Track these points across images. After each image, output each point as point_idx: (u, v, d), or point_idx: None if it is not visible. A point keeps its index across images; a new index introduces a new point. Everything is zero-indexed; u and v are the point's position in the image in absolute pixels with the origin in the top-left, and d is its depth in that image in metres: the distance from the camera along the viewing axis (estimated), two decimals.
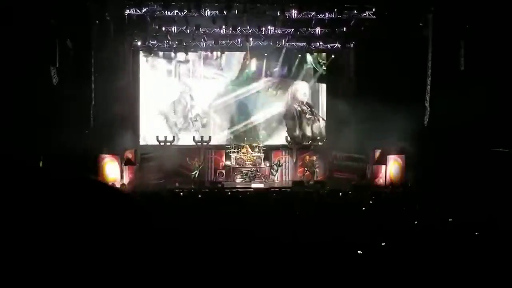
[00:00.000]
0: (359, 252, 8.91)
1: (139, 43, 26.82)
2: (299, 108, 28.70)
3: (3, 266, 1.25)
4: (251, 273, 7.71)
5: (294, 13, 24.52)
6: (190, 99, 28.26)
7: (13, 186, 1.44)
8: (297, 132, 28.05)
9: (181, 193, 20.08)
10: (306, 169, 26.02)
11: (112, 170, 23.50)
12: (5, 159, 1.59)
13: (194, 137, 27.14)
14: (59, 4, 20.68)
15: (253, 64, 28.32)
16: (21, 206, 1.39)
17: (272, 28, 25.67)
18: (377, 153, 24.93)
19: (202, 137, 26.99)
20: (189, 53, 27.83)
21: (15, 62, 18.39)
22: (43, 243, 1.33)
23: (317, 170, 26.25)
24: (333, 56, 28.63)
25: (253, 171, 25.86)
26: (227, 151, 26.96)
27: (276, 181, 26.07)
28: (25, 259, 1.27)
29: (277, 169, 26.39)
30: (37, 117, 19.38)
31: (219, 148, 27.28)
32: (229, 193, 19.81)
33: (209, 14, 24.27)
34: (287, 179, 26.50)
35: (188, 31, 25.67)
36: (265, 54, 28.04)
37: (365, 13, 24.62)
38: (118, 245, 1.41)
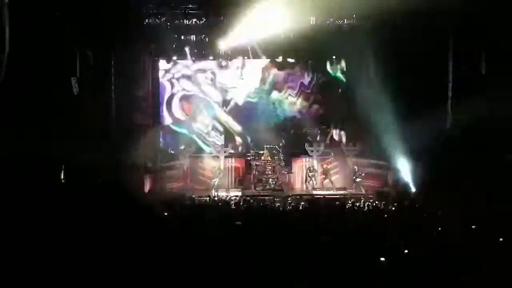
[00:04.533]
0: (382, 259, 8.81)
1: (158, 52, 26.88)
2: (317, 114, 28.56)
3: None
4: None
5: (312, 20, 24.48)
6: (210, 107, 28.25)
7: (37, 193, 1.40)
8: (317, 139, 27.86)
9: (203, 201, 20.15)
10: (324, 176, 25.89)
11: (132, 179, 23.54)
12: (27, 168, 1.56)
13: (214, 145, 27.15)
14: (78, 13, 20.82)
15: (273, 72, 28.26)
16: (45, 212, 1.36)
17: (291, 34, 25.64)
18: (398, 158, 24.72)
19: (222, 145, 26.97)
20: (209, 62, 27.84)
21: (36, 72, 18.50)
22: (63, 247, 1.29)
23: (334, 177, 26.05)
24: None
25: (274, 178, 25.71)
26: (247, 158, 26.85)
27: (303, 189, 25.95)
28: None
29: (312, 175, 26.11)
30: (57, 126, 19.49)
31: (239, 155, 27.21)
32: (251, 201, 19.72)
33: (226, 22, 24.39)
34: (307, 186, 26.30)
35: (207, 39, 25.74)
36: (286, 60, 27.93)
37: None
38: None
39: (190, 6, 24.28)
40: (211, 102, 28.23)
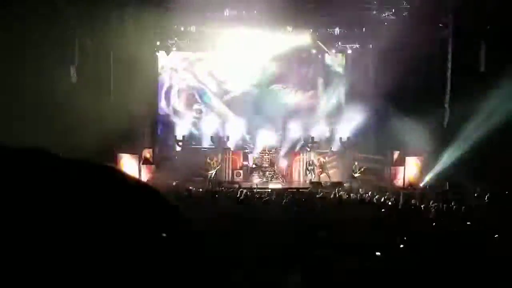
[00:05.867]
0: (377, 253, 8.84)
1: (158, 42, 26.86)
2: (315, 109, 28.57)
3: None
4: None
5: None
6: (209, 98, 28.25)
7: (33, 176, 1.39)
8: (315, 133, 27.88)
9: (198, 192, 20.17)
10: (321, 170, 25.88)
11: (130, 169, 23.59)
12: (24, 155, 1.55)
13: (212, 137, 27.11)
14: (78, 3, 20.77)
15: (272, 64, 28.25)
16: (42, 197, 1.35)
17: (292, 28, 25.66)
18: (396, 154, 24.78)
19: (220, 137, 26.95)
20: (209, 53, 27.82)
21: (35, 61, 18.49)
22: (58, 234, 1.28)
23: (332, 171, 26.05)
24: (349, 51, 28.36)
25: (271, 171, 25.74)
26: (245, 151, 26.86)
27: (295, 181, 25.97)
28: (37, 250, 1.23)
29: (311, 169, 26.06)
30: (56, 115, 19.50)
31: (236, 148, 27.21)
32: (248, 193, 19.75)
33: (229, 14, 24.35)
34: (303, 179, 26.32)
35: (208, 30, 25.75)
36: (284, 54, 27.95)
37: (385, 13, 24.48)
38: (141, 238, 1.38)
39: None
40: (209, 94, 28.23)
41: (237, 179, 25.68)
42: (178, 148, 26.58)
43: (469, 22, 21.53)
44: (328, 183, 24.53)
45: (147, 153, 24.73)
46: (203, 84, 28.26)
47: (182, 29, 25.95)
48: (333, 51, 28.11)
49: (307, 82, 28.63)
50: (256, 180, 25.40)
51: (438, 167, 22.28)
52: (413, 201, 17.55)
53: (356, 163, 25.15)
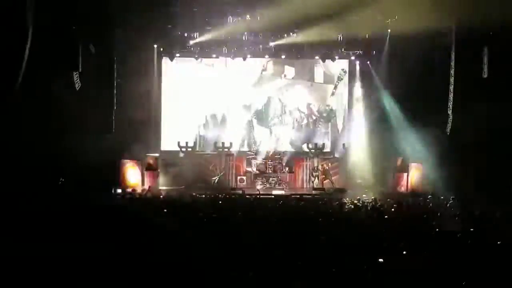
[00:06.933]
0: (380, 260, 8.84)
1: (161, 48, 26.92)
2: (317, 115, 28.55)
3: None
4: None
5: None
6: (212, 105, 28.21)
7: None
8: (317, 139, 27.88)
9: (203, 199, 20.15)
10: (324, 176, 25.89)
11: (133, 176, 23.62)
12: (26, 162, 1.59)
13: (215, 143, 27.07)
14: (81, 8, 20.82)
15: (273, 70, 28.28)
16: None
17: (294, 34, 25.70)
18: (399, 160, 24.74)
19: (223, 143, 26.91)
20: (211, 58, 27.82)
21: (38, 67, 18.51)
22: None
23: (335, 177, 26.06)
24: (352, 58, 28.34)
25: (274, 177, 25.76)
26: (248, 157, 26.89)
27: (297, 187, 25.99)
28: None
29: (316, 175, 26.11)
30: (59, 121, 19.54)
31: (240, 154, 27.21)
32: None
33: (231, 20, 24.39)
34: (307, 186, 26.37)
35: (210, 36, 25.78)
36: (287, 60, 27.96)
37: (387, 20, 24.48)
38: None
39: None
40: (213, 100, 28.18)
41: (240, 185, 25.71)
42: (181, 154, 26.55)
43: (471, 28, 21.51)
44: (332, 189, 24.52)
45: (150, 160, 24.76)
46: (207, 89, 28.20)
47: (186, 35, 25.98)
48: (336, 57, 28.04)
49: (310, 88, 28.60)
50: (259, 186, 25.42)
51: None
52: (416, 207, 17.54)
53: (356, 168, 25.18)
